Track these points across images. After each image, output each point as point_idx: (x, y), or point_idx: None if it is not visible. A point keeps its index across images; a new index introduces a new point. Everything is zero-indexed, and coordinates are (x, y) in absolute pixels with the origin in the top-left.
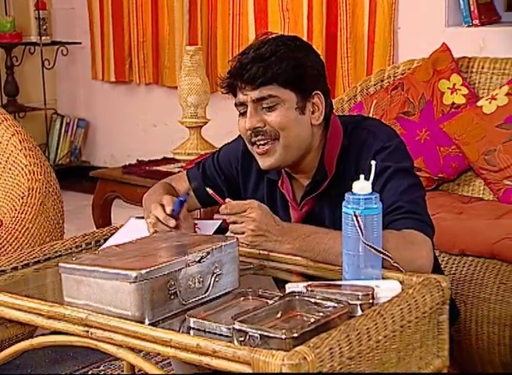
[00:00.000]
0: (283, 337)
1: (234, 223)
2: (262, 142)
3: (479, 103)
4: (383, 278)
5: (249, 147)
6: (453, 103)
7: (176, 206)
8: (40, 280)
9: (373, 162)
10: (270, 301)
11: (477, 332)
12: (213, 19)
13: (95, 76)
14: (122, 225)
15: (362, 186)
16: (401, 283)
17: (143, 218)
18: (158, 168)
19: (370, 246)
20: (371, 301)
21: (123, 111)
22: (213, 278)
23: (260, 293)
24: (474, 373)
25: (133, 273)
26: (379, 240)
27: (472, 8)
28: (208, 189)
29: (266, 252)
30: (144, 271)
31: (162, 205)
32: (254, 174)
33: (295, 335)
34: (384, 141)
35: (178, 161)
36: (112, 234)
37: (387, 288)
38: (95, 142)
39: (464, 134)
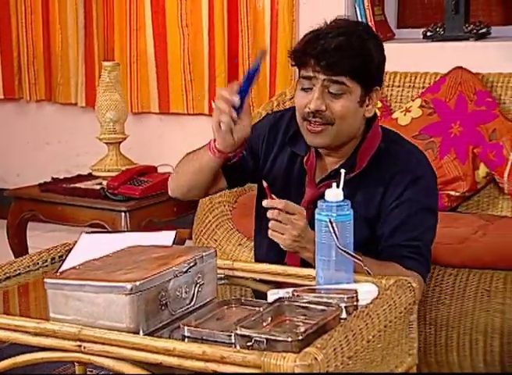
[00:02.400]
0: (289, 339)
1: (276, 221)
2: (318, 123)
3: (394, 115)
4: (354, 281)
5: (299, 121)
6: None
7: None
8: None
9: (342, 171)
10: (257, 309)
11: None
12: (110, 34)
13: None
14: (75, 242)
15: (335, 193)
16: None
17: (94, 233)
18: (76, 185)
19: (344, 251)
20: (355, 303)
21: (12, 128)
22: (196, 288)
23: (243, 301)
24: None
25: (128, 285)
26: (351, 245)
27: (371, 25)
28: (263, 182)
29: (230, 262)
30: (138, 283)
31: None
32: (276, 147)
33: (300, 337)
34: (424, 171)
35: (95, 177)
36: (68, 251)
37: (365, 291)
38: None
39: None
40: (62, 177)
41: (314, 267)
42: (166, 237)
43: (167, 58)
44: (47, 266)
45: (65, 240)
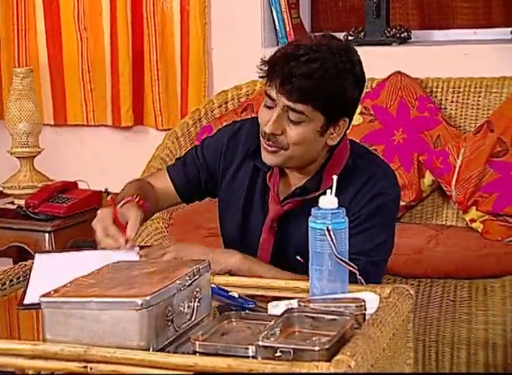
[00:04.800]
0: (316, 348)
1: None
2: (271, 145)
3: None
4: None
5: (260, 135)
6: None
7: None
8: None
9: (334, 177)
10: (258, 322)
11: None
12: None
13: None
14: (31, 262)
15: (329, 201)
16: None
17: (46, 252)
18: None
19: (341, 260)
20: (363, 312)
21: None
22: (195, 302)
23: (243, 315)
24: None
25: (139, 300)
26: (347, 253)
27: (288, 29)
28: (108, 195)
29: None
30: (148, 297)
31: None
32: (238, 159)
33: (327, 346)
34: (389, 187)
35: (6, 195)
36: (25, 272)
37: (368, 300)
38: None
39: None
40: None
41: None
42: (129, 255)
43: (62, 64)
44: (5, 289)
45: None
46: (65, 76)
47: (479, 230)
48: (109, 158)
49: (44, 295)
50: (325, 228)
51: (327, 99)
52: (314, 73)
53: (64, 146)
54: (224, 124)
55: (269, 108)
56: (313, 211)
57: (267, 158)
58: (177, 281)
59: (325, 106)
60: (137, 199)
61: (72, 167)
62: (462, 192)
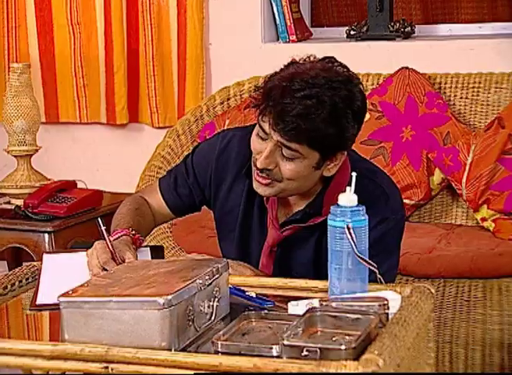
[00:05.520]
0: (343, 347)
1: None
2: (264, 178)
3: None
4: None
5: (252, 163)
6: None
7: None
8: None
9: (354, 174)
10: (278, 322)
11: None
12: None
13: None
14: (40, 263)
15: (349, 198)
16: None
17: (54, 252)
18: None
19: (362, 258)
20: (386, 311)
21: None
22: (215, 302)
23: (263, 315)
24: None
25: (161, 300)
26: (366, 252)
27: (289, 24)
28: (100, 224)
29: None
30: (170, 296)
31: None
32: (230, 177)
33: (353, 345)
34: (393, 211)
35: (3, 195)
36: (34, 273)
37: (390, 299)
38: None
39: None
40: None
41: None
42: (141, 254)
43: (54, 60)
44: (15, 290)
45: None
46: (57, 73)
47: (491, 228)
48: (103, 157)
49: (62, 295)
50: (345, 226)
51: (323, 138)
52: (310, 112)
53: (56, 144)
54: (229, 123)
55: (262, 139)
56: (332, 209)
57: (259, 189)
58: (197, 280)
59: (321, 145)
60: (133, 233)
61: (65, 166)
62: (473, 190)
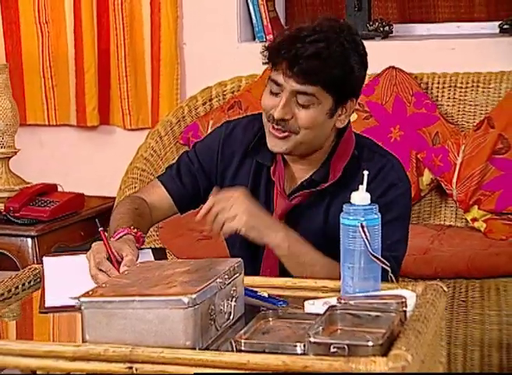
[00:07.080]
0: (370, 344)
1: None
2: (281, 131)
3: None
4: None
5: (264, 121)
6: None
7: None
8: None
9: (365, 173)
10: (296, 321)
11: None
12: None
13: None
14: (41, 266)
15: (362, 197)
16: None
17: (52, 255)
18: None
19: (375, 257)
20: (404, 309)
21: None
22: (233, 301)
23: (280, 314)
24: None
25: (185, 299)
26: (379, 250)
27: (265, 23)
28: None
29: None
30: (194, 295)
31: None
32: (236, 160)
33: (380, 342)
34: (400, 178)
35: None
36: (36, 276)
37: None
38: None
39: None
40: None
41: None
42: (143, 255)
43: (21, 60)
44: (18, 293)
45: None
46: (25, 73)
47: (482, 229)
48: (73, 160)
49: (83, 296)
50: (359, 225)
51: (336, 79)
52: (322, 52)
53: (23, 148)
54: (212, 124)
55: (275, 94)
56: (345, 207)
57: (276, 144)
58: (218, 280)
59: (334, 86)
60: (135, 231)
61: (33, 170)
62: (463, 191)
